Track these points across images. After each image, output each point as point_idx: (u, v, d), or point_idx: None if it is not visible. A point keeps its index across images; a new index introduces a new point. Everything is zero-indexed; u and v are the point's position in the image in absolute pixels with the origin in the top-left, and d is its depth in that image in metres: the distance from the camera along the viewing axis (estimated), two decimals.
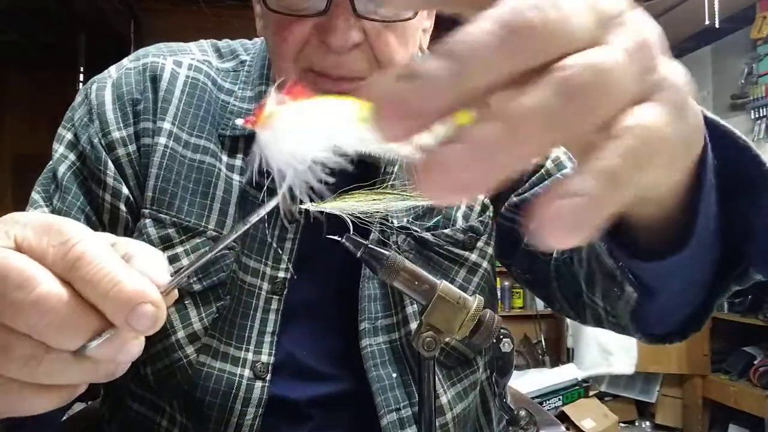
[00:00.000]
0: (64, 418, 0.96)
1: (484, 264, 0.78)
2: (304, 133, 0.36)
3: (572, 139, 0.24)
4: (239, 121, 0.40)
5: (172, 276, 0.36)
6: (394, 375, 0.71)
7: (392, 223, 0.73)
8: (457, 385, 0.75)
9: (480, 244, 0.77)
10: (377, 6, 0.60)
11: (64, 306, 0.32)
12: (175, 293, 0.37)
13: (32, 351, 0.32)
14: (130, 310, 0.32)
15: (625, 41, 0.24)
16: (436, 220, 0.75)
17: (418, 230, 0.74)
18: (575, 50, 0.23)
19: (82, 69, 3.64)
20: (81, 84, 3.66)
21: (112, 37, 3.57)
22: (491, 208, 0.79)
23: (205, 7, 3.45)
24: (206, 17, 3.42)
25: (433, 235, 0.74)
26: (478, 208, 0.78)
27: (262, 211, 0.38)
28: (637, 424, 3.65)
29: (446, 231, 0.75)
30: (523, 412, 0.53)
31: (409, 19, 0.63)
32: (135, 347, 0.34)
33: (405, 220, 0.73)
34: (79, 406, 1.00)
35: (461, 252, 0.76)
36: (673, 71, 0.28)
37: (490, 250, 0.79)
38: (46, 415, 0.37)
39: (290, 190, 0.36)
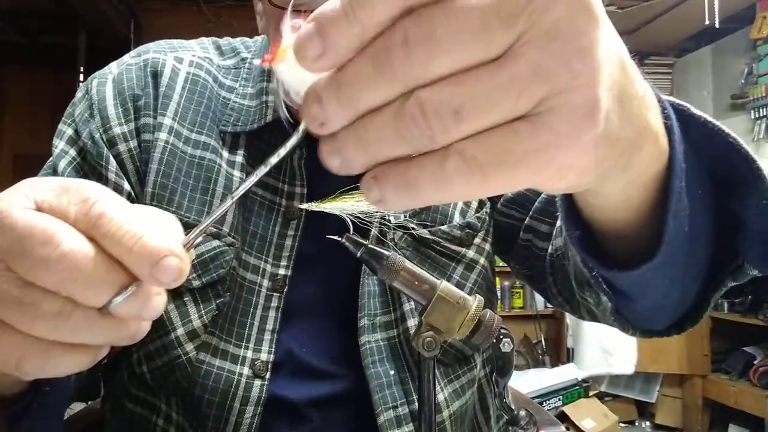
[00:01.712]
0: (65, 418, 0.96)
1: (482, 261, 0.78)
2: None
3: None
4: (256, 61, 0.40)
5: (189, 236, 0.36)
6: (392, 372, 0.71)
7: (389, 220, 0.73)
8: (454, 383, 0.75)
9: (477, 240, 0.77)
10: None
11: (90, 261, 0.32)
12: (193, 251, 0.37)
13: (60, 307, 0.32)
14: (155, 263, 0.32)
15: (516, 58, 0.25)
16: (432, 216, 0.75)
17: (415, 227, 0.74)
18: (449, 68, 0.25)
19: (82, 69, 3.64)
20: (81, 84, 3.65)
21: (112, 37, 3.57)
22: (488, 204, 0.79)
23: (205, 8, 3.45)
24: (206, 17, 3.42)
25: (430, 231, 0.74)
26: (475, 204, 0.78)
27: (289, 144, 0.36)
28: (637, 424, 3.65)
29: (443, 228, 0.75)
30: (523, 412, 0.53)
31: None
32: (158, 303, 0.35)
33: (402, 217, 0.74)
34: (79, 406, 1.00)
35: (458, 249, 0.76)
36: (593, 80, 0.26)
37: (487, 247, 0.79)
38: (51, 406, 0.36)
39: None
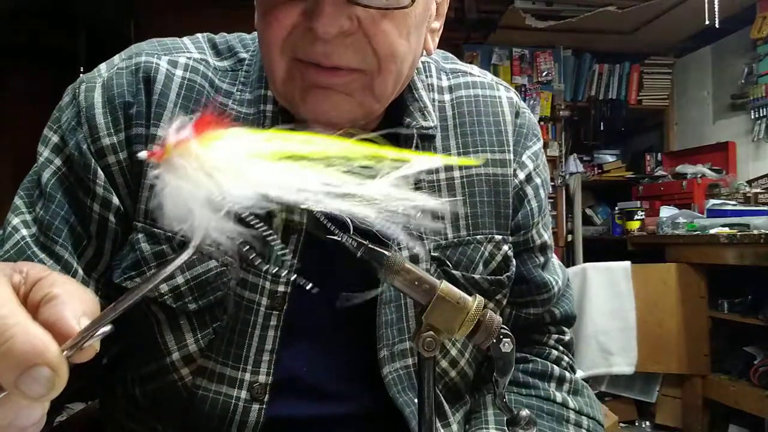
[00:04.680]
0: (64, 418, 0.96)
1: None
2: (216, 175, 0.32)
3: None
4: (142, 154, 0.35)
5: (86, 329, 0.30)
6: (416, 401, 0.69)
7: (431, 249, 0.72)
8: (460, 411, 0.77)
9: (499, 296, 0.77)
10: None
11: None
12: (96, 346, 0.31)
13: None
14: (20, 372, 0.27)
15: None
16: (459, 258, 0.74)
17: (450, 266, 0.73)
18: None
19: (82, 69, 3.63)
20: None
21: (112, 37, 3.57)
22: (512, 270, 0.78)
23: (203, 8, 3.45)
24: (206, 17, 3.42)
25: (463, 275, 0.73)
26: (499, 258, 0.76)
27: (178, 261, 0.34)
28: (637, 424, 3.64)
29: (476, 276, 0.74)
30: (523, 413, 0.53)
31: (406, 7, 0.58)
32: (34, 412, 0.29)
33: (433, 245, 0.72)
34: (79, 406, 1.00)
35: None
36: None
37: (504, 303, 0.79)
38: None
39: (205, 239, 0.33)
